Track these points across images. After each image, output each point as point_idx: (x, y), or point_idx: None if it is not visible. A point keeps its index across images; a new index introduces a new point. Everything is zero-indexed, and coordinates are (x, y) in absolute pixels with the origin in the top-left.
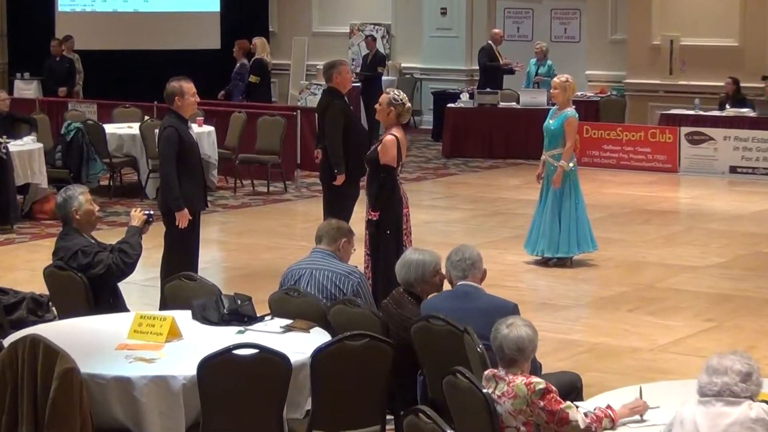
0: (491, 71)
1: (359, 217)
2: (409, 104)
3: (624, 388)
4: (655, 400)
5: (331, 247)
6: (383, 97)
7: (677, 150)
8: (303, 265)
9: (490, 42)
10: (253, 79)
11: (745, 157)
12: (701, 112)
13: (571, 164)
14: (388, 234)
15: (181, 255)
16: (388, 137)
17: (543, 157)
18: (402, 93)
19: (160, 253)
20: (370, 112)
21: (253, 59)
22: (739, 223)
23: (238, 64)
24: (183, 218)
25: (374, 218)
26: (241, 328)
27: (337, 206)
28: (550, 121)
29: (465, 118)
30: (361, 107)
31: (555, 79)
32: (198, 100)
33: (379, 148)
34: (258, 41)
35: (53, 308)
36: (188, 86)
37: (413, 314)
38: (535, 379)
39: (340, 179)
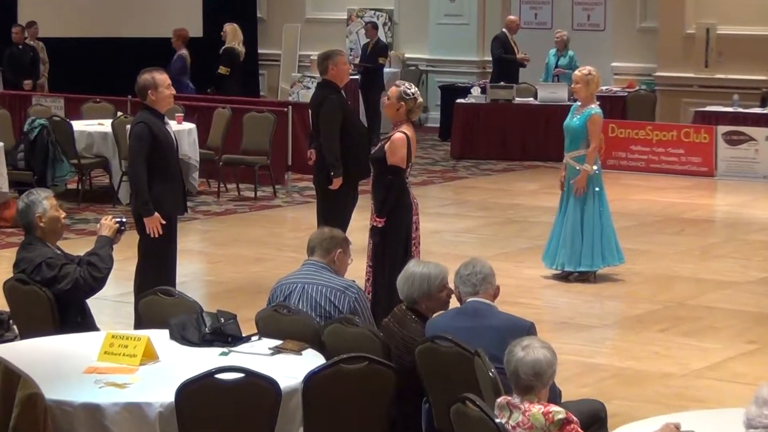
0: (506, 63)
1: (358, 225)
2: (421, 99)
3: (653, 418)
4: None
5: (324, 258)
6: (393, 90)
7: (713, 151)
8: (294, 279)
9: (504, 30)
10: (222, 70)
11: None
12: (740, 110)
13: (594, 167)
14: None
15: (157, 267)
16: (398, 135)
17: (565, 159)
18: (414, 86)
19: (134, 266)
20: (370, 107)
21: (222, 48)
22: None
23: (176, 55)
24: (153, 224)
25: (379, 225)
26: (225, 350)
27: (333, 213)
28: (572, 119)
29: (476, 115)
30: (359, 102)
31: (577, 72)
32: (174, 92)
33: (386, 146)
34: (228, 28)
35: (14, 327)
36: (162, 78)
37: (417, 334)
38: (553, 407)
39: (336, 183)
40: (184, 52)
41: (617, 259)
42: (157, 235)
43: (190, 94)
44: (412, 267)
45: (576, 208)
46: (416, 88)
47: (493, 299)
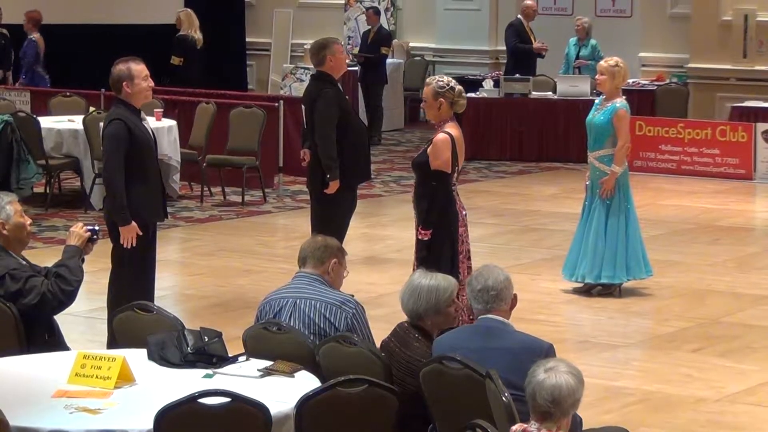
0: (521, 53)
1: (357, 233)
2: (460, 87)
3: None
4: None
5: (318, 269)
6: (426, 91)
7: (752, 152)
8: (284, 294)
9: (520, 17)
10: (174, 60)
11: None
12: None
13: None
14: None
15: (133, 279)
16: (441, 136)
17: (588, 159)
18: (444, 77)
19: (108, 278)
20: (371, 103)
21: (176, 36)
22: None
23: (26, 41)
24: (129, 234)
25: (425, 239)
26: (209, 371)
27: (329, 220)
28: (595, 115)
29: (488, 111)
30: (359, 97)
31: (602, 62)
32: (152, 85)
33: (429, 149)
34: (182, 14)
35: None
36: (138, 68)
37: (422, 355)
38: None
39: (332, 186)
40: (36, 36)
41: (644, 271)
42: (131, 246)
43: (43, 87)
44: (417, 279)
45: (600, 214)
46: (448, 78)
47: (510, 311)
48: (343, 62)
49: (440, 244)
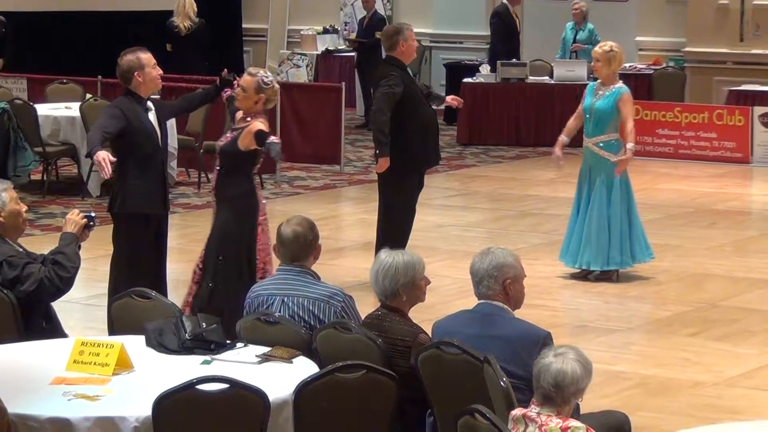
0: (505, 39)
1: (354, 219)
2: (278, 86)
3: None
4: None
5: (307, 261)
6: (249, 81)
7: (749, 135)
8: (272, 290)
9: (505, 2)
10: (168, 47)
11: None
12: None
13: (613, 156)
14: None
15: (129, 273)
16: (257, 125)
17: (585, 144)
18: (269, 72)
19: (106, 265)
20: (367, 87)
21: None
22: None
23: None
24: (98, 161)
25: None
26: (207, 358)
27: (396, 205)
28: (596, 100)
29: (485, 96)
30: (356, 81)
31: (597, 48)
32: (161, 72)
33: (240, 140)
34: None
35: None
36: (147, 57)
37: (404, 333)
38: (573, 422)
39: (381, 163)
40: None
41: (647, 255)
42: (108, 171)
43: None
44: (387, 258)
45: (601, 201)
46: (272, 74)
47: (507, 296)
48: (414, 48)
49: (241, 228)
